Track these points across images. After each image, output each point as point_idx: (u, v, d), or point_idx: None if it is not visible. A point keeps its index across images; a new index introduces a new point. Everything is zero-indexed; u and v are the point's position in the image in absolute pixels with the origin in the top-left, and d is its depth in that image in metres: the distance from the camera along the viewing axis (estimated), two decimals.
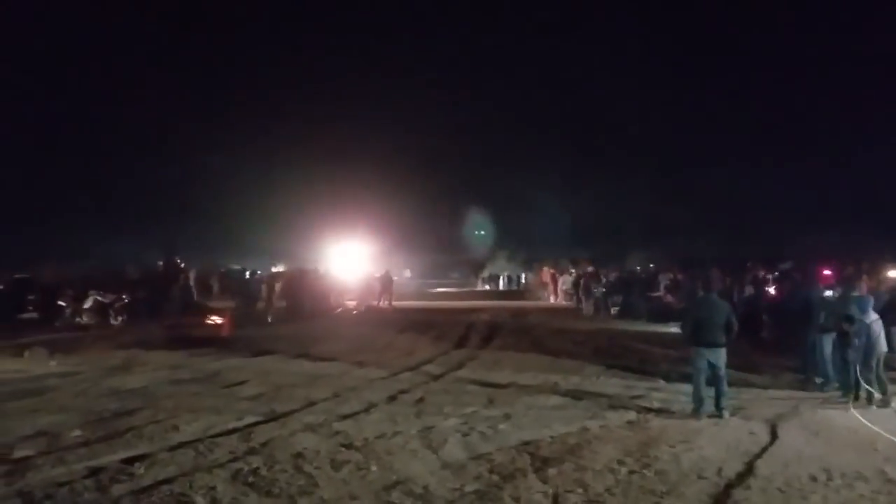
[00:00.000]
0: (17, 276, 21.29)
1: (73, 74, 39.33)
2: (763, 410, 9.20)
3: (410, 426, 8.28)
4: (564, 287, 31.84)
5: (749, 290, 18.61)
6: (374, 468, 6.68)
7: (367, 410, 9.16)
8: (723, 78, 53.15)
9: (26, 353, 13.91)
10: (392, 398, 9.99)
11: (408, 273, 42.94)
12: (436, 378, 11.76)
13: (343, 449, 7.31)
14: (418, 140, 45.46)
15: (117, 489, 6.08)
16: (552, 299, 33.50)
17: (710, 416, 8.76)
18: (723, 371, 9.01)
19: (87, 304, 20.41)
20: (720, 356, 9.01)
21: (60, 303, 20.47)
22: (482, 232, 48.70)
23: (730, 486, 6.21)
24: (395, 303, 29.19)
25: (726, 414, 8.79)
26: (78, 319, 20.04)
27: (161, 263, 26.06)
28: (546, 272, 35.63)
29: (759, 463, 6.87)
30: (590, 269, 30.30)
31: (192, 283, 23.65)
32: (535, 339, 17.59)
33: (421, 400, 9.88)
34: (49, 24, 39.28)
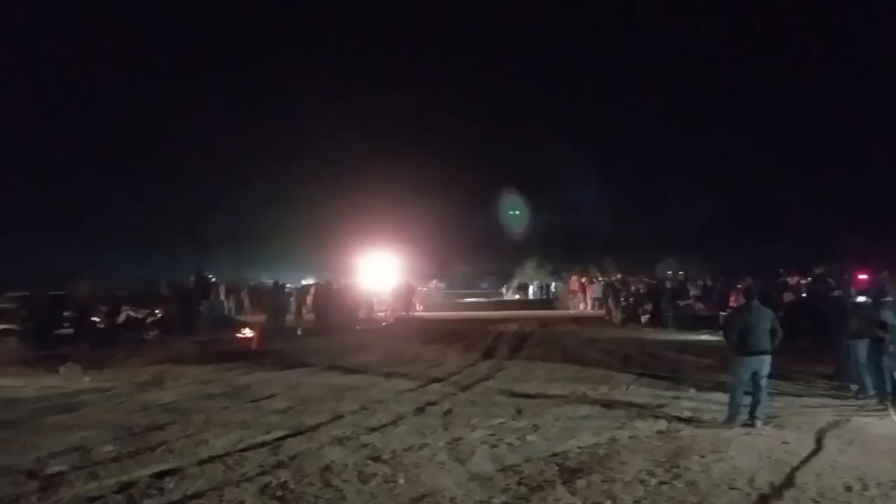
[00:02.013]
0: (52, 293, 21.64)
1: (101, 89, 39.94)
2: (796, 419, 9.07)
3: (438, 438, 8.26)
4: (594, 295, 31.72)
5: (789, 297, 18.51)
6: (401, 481, 6.67)
7: (394, 423, 9.16)
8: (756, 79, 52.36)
9: (61, 369, 14.09)
10: (420, 410, 9.97)
11: (436, 284, 42.87)
12: (464, 389, 11.73)
13: (371, 462, 7.31)
14: (447, 151, 45.42)
15: None
16: (582, 308, 33.36)
17: (742, 425, 8.64)
18: (765, 380, 8.88)
19: (121, 320, 20.68)
20: (765, 363, 8.86)
21: (94, 319, 20.74)
22: (517, 212, 47.81)
23: (762, 497, 6.12)
24: (422, 313, 29.31)
25: (759, 423, 8.65)
26: (112, 335, 20.28)
27: (192, 279, 26.37)
28: (575, 281, 35.47)
29: (793, 473, 6.75)
30: (618, 276, 30.16)
31: (222, 297, 23.94)
32: (563, 348, 17.51)
33: (449, 412, 9.86)
34: (79, 38, 39.93)
